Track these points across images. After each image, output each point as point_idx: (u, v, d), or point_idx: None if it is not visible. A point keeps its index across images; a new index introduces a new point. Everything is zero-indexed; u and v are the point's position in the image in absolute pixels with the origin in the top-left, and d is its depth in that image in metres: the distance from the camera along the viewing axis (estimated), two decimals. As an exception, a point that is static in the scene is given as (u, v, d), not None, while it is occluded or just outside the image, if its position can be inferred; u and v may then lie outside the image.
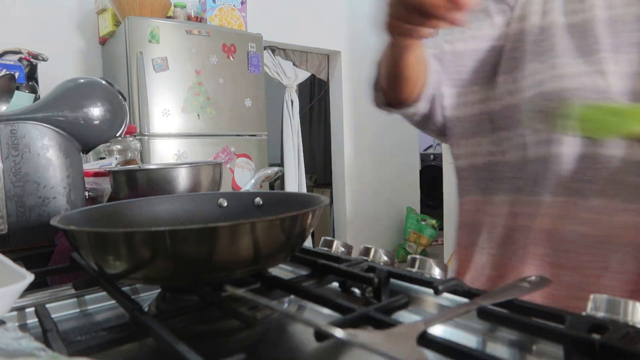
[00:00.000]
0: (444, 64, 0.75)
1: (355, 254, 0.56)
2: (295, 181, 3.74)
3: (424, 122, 0.79)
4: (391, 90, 0.76)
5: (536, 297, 0.41)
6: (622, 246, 0.60)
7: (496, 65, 0.74)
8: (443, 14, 0.52)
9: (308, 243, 0.65)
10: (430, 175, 4.97)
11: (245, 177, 2.62)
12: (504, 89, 0.72)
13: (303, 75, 3.84)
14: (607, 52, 0.62)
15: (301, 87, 4.53)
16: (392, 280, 0.46)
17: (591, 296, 0.36)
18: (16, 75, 1.25)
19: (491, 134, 0.74)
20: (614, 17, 0.63)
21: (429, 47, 0.74)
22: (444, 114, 0.77)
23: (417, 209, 4.53)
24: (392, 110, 0.80)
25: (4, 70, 1.28)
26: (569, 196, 0.64)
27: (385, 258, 0.53)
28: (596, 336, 0.30)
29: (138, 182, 0.78)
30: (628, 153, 0.60)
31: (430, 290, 0.42)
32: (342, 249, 0.58)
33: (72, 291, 0.47)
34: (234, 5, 2.74)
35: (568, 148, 0.64)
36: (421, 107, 0.76)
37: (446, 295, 0.43)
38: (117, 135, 0.80)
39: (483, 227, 0.75)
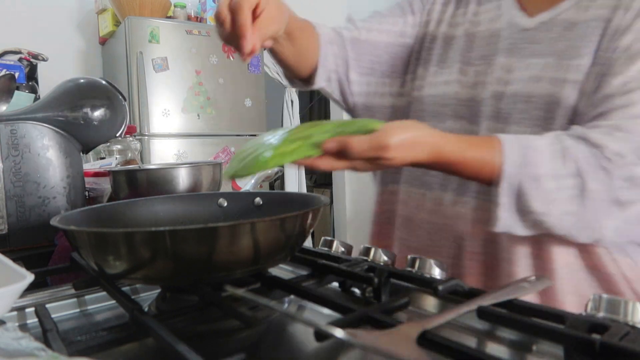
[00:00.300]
0: (359, 49, 0.78)
1: (355, 254, 0.56)
2: (295, 181, 3.74)
3: (342, 104, 0.83)
4: (283, 71, 0.79)
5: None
6: (453, 234, 0.69)
7: (407, 63, 0.81)
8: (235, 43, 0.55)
9: (308, 243, 0.65)
10: (430, 175, 4.95)
11: (245, 177, 2.62)
12: (408, 87, 0.80)
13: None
14: (460, 63, 0.73)
15: (301, 87, 4.52)
16: (392, 280, 0.46)
17: (591, 296, 0.36)
18: (16, 75, 1.25)
19: None
20: (475, 33, 0.73)
21: (348, 29, 0.78)
22: (354, 100, 0.80)
23: (417, 209, 4.52)
24: (296, 86, 0.82)
25: (4, 70, 1.28)
26: (419, 187, 0.75)
27: (385, 258, 0.53)
28: (596, 336, 0.30)
29: (138, 182, 0.78)
30: None
31: (430, 290, 0.42)
32: (342, 249, 0.58)
33: (72, 291, 0.47)
34: (234, 5, 2.74)
35: None
36: (322, 86, 0.78)
37: (446, 295, 0.43)
38: (117, 135, 0.80)
39: (376, 212, 0.87)
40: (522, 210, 0.54)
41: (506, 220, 0.55)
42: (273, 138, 0.53)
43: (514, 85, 0.66)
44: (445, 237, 0.70)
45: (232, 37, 0.56)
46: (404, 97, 0.80)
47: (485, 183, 0.56)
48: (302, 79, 0.78)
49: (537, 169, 0.53)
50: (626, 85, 0.55)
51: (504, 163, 0.53)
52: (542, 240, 0.62)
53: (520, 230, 0.56)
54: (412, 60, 0.80)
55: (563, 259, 0.62)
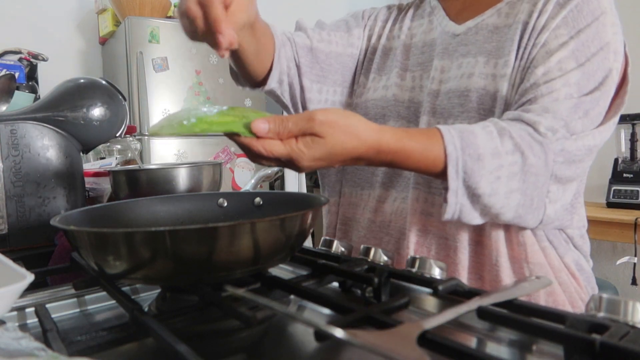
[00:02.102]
0: (311, 57, 0.81)
1: (355, 254, 0.56)
2: (295, 181, 3.74)
3: (291, 109, 0.85)
4: (237, 68, 0.78)
5: None
6: (395, 230, 0.74)
7: (354, 74, 0.87)
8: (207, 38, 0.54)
9: (308, 243, 0.65)
10: (430, 175, 4.95)
11: (245, 177, 2.62)
12: (354, 96, 0.87)
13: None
14: (399, 69, 0.80)
15: (301, 87, 4.52)
16: (392, 280, 0.46)
17: (591, 296, 0.36)
18: (16, 75, 1.25)
19: None
20: (411, 44, 0.81)
21: (299, 36, 0.81)
22: (307, 105, 0.83)
23: (417, 209, 4.51)
24: (245, 86, 0.84)
25: (4, 70, 1.28)
26: (362, 188, 0.81)
27: (385, 258, 0.53)
28: (596, 336, 0.30)
29: (138, 182, 0.78)
30: None
31: (430, 290, 0.42)
32: (342, 249, 0.58)
33: (72, 291, 0.47)
34: (234, 5, 2.74)
35: None
36: (273, 87, 0.79)
37: (446, 295, 0.43)
38: (117, 135, 0.80)
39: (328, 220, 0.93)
40: (470, 192, 0.56)
41: (455, 206, 0.57)
42: (209, 110, 0.52)
43: (448, 83, 0.71)
44: (389, 234, 0.75)
45: (205, 34, 0.54)
46: (351, 106, 0.86)
47: (429, 173, 0.58)
48: (253, 80, 0.78)
49: (478, 148, 0.56)
50: (547, 75, 0.62)
51: (447, 147, 0.55)
52: (483, 227, 0.67)
53: (469, 216, 0.58)
54: (358, 70, 0.87)
55: (501, 247, 0.67)
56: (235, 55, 0.71)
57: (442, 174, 0.56)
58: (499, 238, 0.67)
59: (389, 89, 0.79)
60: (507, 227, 0.67)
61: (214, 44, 0.52)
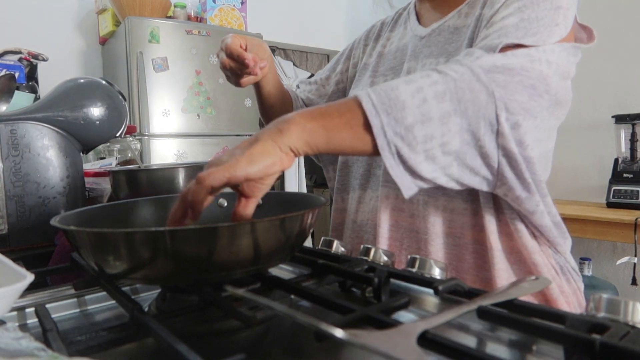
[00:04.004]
0: (311, 103, 0.97)
1: (355, 254, 0.56)
2: (295, 181, 3.74)
3: None
4: (266, 119, 0.96)
5: None
6: (372, 227, 0.77)
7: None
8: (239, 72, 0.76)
9: (308, 243, 0.65)
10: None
11: (245, 177, 2.62)
12: None
13: (303, 75, 3.84)
14: (369, 76, 0.84)
15: (301, 87, 4.52)
16: (392, 280, 0.46)
17: (591, 296, 0.36)
18: (16, 75, 1.25)
19: None
20: (384, 52, 0.86)
21: (301, 90, 1.00)
22: None
23: (417, 209, 4.51)
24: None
25: (4, 70, 1.28)
26: (347, 193, 0.85)
27: (385, 258, 0.53)
28: (596, 336, 0.30)
29: (138, 182, 0.78)
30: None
31: (430, 290, 0.42)
32: (342, 249, 0.58)
33: (72, 291, 0.47)
34: (234, 5, 2.74)
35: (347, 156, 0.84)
36: None
37: (446, 295, 0.43)
38: (117, 135, 0.80)
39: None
40: (400, 126, 0.50)
41: (390, 148, 0.50)
42: None
43: None
44: (367, 231, 0.78)
45: (239, 69, 0.75)
46: None
47: (353, 132, 0.50)
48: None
49: (391, 84, 0.52)
50: (488, 37, 0.60)
51: (358, 94, 0.50)
52: (454, 218, 0.68)
53: (414, 161, 0.51)
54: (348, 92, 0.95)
55: (467, 234, 0.67)
56: (266, 104, 0.89)
57: (367, 127, 0.50)
58: (470, 227, 0.67)
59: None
60: (478, 214, 0.67)
61: (248, 69, 0.74)
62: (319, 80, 0.99)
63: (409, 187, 0.53)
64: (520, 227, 0.65)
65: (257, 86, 0.86)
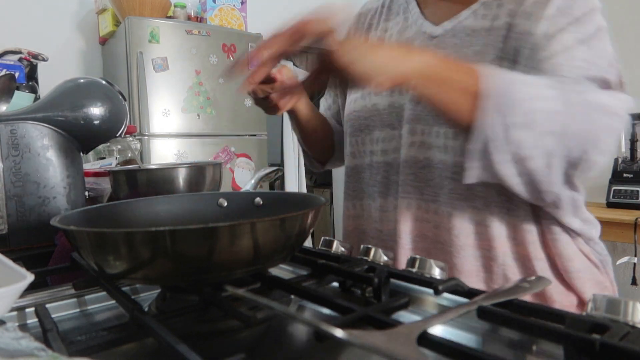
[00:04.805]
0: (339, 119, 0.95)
1: (355, 254, 0.56)
2: (295, 181, 3.74)
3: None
4: (315, 154, 0.96)
5: None
6: (391, 237, 0.74)
7: None
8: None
9: (308, 243, 0.65)
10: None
11: (245, 177, 2.62)
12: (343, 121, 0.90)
13: (303, 75, 3.83)
14: None
15: (301, 87, 4.51)
16: (392, 280, 0.46)
17: (591, 296, 0.36)
18: (16, 75, 1.25)
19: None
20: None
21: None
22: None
23: (417, 209, 4.51)
24: (327, 167, 1.00)
25: (4, 70, 1.28)
26: (361, 199, 0.81)
27: (385, 258, 0.53)
28: (596, 336, 0.30)
29: (138, 182, 0.78)
30: (389, 158, 0.75)
31: (430, 290, 0.42)
32: (342, 249, 0.58)
33: (72, 291, 0.47)
34: (234, 5, 2.74)
35: (359, 160, 0.81)
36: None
37: (446, 295, 0.43)
38: (117, 135, 0.80)
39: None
40: (504, 119, 0.52)
41: (488, 130, 0.52)
42: None
43: None
44: (395, 241, 0.74)
45: (271, 88, 0.72)
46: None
47: (461, 89, 0.54)
48: (327, 158, 0.99)
49: (512, 76, 0.55)
50: (552, 57, 0.60)
51: (479, 69, 0.54)
52: (484, 225, 0.66)
53: (499, 150, 0.53)
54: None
55: (502, 246, 0.66)
56: (309, 128, 0.88)
57: (474, 101, 0.52)
58: (500, 237, 0.66)
59: (367, 98, 0.79)
60: (507, 227, 0.66)
61: (276, 84, 0.72)
62: (327, 107, 0.97)
63: (473, 175, 0.56)
64: (559, 232, 0.66)
65: (294, 112, 0.84)
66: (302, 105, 0.84)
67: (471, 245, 0.67)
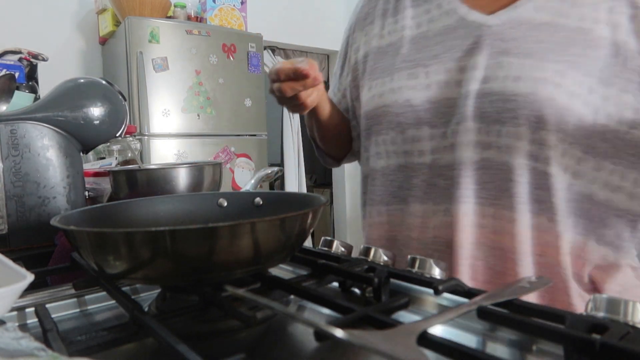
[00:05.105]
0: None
1: (355, 254, 0.56)
2: (295, 181, 3.74)
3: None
4: (331, 150, 0.91)
5: None
6: (442, 245, 0.67)
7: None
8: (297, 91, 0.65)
9: (308, 243, 0.65)
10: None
11: (245, 177, 2.62)
12: (356, 114, 0.84)
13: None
14: (409, 68, 0.71)
15: (301, 87, 4.52)
16: (392, 280, 0.46)
17: (591, 296, 0.36)
18: (16, 75, 1.25)
19: (361, 154, 0.84)
20: (419, 35, 0.72)
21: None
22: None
23: (417, 209, 4.52)
24: (341, 163, 0.95)
25: (4, 70, 1.28)
26: (397, 204, 0.73)
27: (385, 258, 0.53)
28: (596, 336, 0.30)
29: (138, 182, 0.78)
30: (434, 159, 0.68)
31: (430, 290, 0.42)
32: (342, 249, 0.58)
33: (72, 291, 0.47)
34: (234, 5, 2.74)
35: (388, 161, 0.74)
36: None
37: (446, 295, 0.43)
38: (117, 135, 0.80)
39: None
40: None
41: None
42: None
43: (489, 84, 0.63)
44: (439, 250, 0.67)
45: (302, 85, 0.65)
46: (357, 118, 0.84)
47: None
48: (344, 155, 0.94)
49: None
50: None
51: None
52: (540, 236, 0.61)
53: None
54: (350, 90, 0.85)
55: (567, 257, 0.60)
56: (330, 124, 0.82)
57: None
58: (563, 246, 0.61)
59: (398, 93, 0.71)
60: (574, 241, 0.61)
61: (308, 79, 0.64)
62: (336, 102, 0.89)
63: None
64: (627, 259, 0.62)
65: (316, 108, 0.77)
66: (323, 101, 0.78)
67: (534, 253, 0.62)
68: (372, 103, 0.75)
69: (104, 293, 0.48)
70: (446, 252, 0.66)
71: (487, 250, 0.64)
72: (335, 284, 0.50)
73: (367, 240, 0.81)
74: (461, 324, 0.40)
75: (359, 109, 0.81)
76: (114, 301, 0.44)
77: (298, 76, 0.63)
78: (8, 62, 1.35)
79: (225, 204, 0.59)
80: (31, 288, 0.38)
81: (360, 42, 0.82)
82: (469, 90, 0.64)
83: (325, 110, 0.80)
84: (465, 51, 0.66)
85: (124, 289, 0.49)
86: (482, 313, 0.36)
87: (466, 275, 0.64)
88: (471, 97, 0.64)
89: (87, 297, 0.48)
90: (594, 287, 0.62)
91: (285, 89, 0.65)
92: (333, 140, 0.88)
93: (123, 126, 0.80)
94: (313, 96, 0.69)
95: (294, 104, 0.69)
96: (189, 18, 2.65)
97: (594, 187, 0.61)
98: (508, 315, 0.36)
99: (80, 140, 0.77)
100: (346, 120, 0.87)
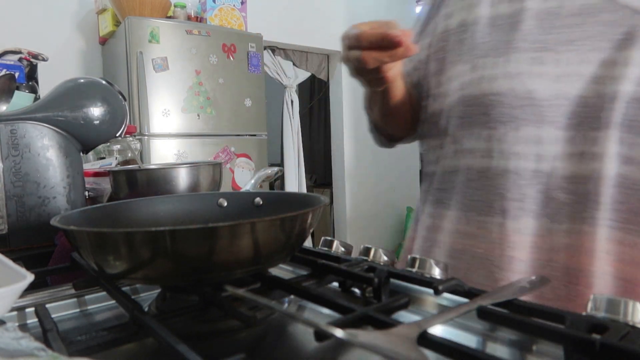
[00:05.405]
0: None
1: (355, 254, 0.56)
2: (295, 181, 3.74)
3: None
4: (389, 130, 0.78)
5: None
6: (559, 271, 0.56)
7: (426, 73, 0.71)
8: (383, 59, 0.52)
9: (308, 243, 0.65)
10: (430, 175, 4.96)
11: (245, 177, 2.62)
12: (431, 93, 0.69)
13: (303, 75, 3.84)
14: (532, 51, 0.57)
15: (301, 87, 4.53)
16: (392, 280, 0.46)
17: (591, 296, 0.36)
18: (16, 75, 1.25)
19: (426, 141, 0.74)
20: (548, 11, 0.58)
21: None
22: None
23: (417, 209, 4.53)
24: (396, 144, 0.83)
25: (4, 70, 1.28)
26: (492, 215, 0.60)
27: (385, 258, 0.53)
28: (596, 336, 0.30)
29: (138, 182, 0.78)
30: (554, 167, 0.56)
31: (430, 290, 0.42)
32: (342, 249, 0.58)
33: (72, 291, 0.47)
34: (234, 5, 2.74)
35: (491, 161, 0.60)
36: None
37: (446, 295, 0.43)
38: (117, 135, 0.80)
39: (415, 235, 0.74)
40: None
41: None
42: None
43: (626, 85, 0.52)
44: (552, 275, 0.56)
45: (389, 56, 0.52)
46: (427, 108, 0.71)
47: None
48: (403, 136, 0.82)
49: None
50: None
51: None
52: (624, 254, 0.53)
53: None
54: (431, 62, 0.69)
55: None
56: (397, 101, 0.69)
57: None
58: None
59: (516, 79, 0.57)
60: None
61: (400, 49, 0.51)
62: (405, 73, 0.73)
63: None
64: None
65: (389, 85, 0.64)
66: (400, 74, 0.66)
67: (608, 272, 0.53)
68: (477, 87, 0.61)
69: (104, 293, 0.48)
70: (563, 279, 0.56)
71: (613, 281, 0.54)
72: (335, 284, 0.50)
73: (422, 250, 0.68)
74: (461, 324, 0.40)
75: (439, 87, 0.68)
76: (114, 301, 0.44)
77: (387, 44, 0.51)
78: (8, 62, 1.35)
79: (225, 204, 0.59)
80: (31, 288, 0.38)
81: (456, 7, 0.67)
82: (617, 91, 0.52)
83: (399, 86, 0.67)
84: (615, 42, 0.53)
85: (124, 289, 0.49)
86: (482, 313, 0.36)
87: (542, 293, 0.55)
88: (620, 99, 0.52)
89: (87, 297, 0.48)
90: None
91: (367, 59, 0.52)
92: (395, 119, 0.75)
93: (123, 126, 0.80)
94: (396, 69, 0.57)
95: (373, 77, 0.57)
96: (189, 18, 2.65)
97: None
98: (508, 315, 0.36)
99: (80, 140, 0.77)
100: (412, 97, 0.73)
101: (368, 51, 0.52)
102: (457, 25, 0.66)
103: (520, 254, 0.58)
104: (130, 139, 1.23)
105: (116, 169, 0.90)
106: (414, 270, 0.48)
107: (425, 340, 0.30)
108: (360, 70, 0.56)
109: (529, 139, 0.57)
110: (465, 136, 0.63)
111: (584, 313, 0.36)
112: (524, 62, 0.57)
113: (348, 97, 3.96)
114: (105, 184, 0.90)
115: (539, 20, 0.58)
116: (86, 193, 0.80)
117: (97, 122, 0.77)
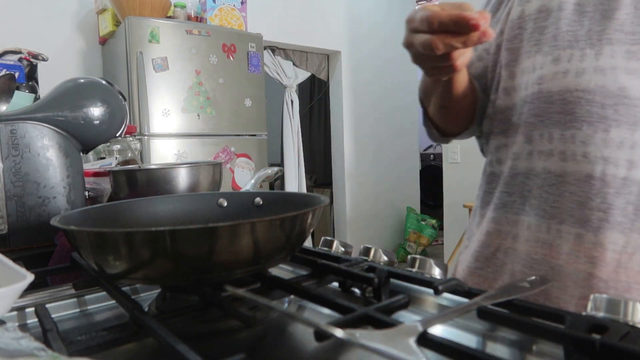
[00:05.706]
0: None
1: (355, 254, 0.56)
2: (295, 181, 3.74)
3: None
4: (445, 125, 0.69)
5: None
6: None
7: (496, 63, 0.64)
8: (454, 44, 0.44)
9: (308, 243, 0.65)
10: (430, 175, 4.97)
11: (245, 177, 2.62)
12: (501, 86, 0.63)
13: (303, 75, 3.84)
14: (629, 43, 0.50)
15: (301, 87, 4.53)
16: (392, 280, 0.46)
17: (591, 296, 0.36)
18: (16, 75, 1.25)
19: (492, 139, 0.66)
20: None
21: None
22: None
23: (417, 209, 4.53)
24: (451, 139, 0.74)
25: (4, 70, 1.28)
26: (573, 226, 0.55)
27: (385, 258, 0.53)
28: (596, 336, 0.30)
29: (138, 182, 0.78)
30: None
31: (430, 290, 0.42)
32: (342, 249, 0.58)
33: (72, 291, 0.47)
34: (234, 5, 2.74)
35: (575, 165, 0.54)
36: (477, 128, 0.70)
37: (446, 295, 0.43)
38: (117, 135, 0.80)
39: (471, 242, 0.67)
40: None
41: None
42: None
43: None
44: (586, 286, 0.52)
45: (462, 42, 0.44)
46: (496, 101, 0.64)
47: None
48: (459, 131, 0.72)
49: None
50: None
51: None
52: None
53: None
54: (503, 52, 0.63)
55: None
56: (460, 91, 0.61)
57: None
58: None
59: (608, 75, 0.51)
60: None
61: (477, 32, 0.43)
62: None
63: None
64: None
65: (455, 76, 0.57)
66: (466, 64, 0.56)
67: None
68: (559, 82, 0.55)
69: (104, 293, 0.48)
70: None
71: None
72: (335, 284, 0.50)
73: (477, 256, 0.63)
74: (461, 324, 0.40)
75: (512, 80, 0.61)
76: (114, 301, 0.44)
77: (460, 28, 0.43)
78: (8, 62, 1.35)
79: (225, 204, 0.59)
80: (31, 288, 0.38)
81: None
82: None
83: (463, 76, 0.59)
84: (601, 36, 0.50)
85: (124, 289, 0.49)
86: (482, 313, 0.36)
87: None
88: None
89: (87, 297, 0.48)
90: None
91: (437, 44, 0.44)
92: (455, 113, 0.67)
93: (123, 126, 0.80)
94: (466, 56, 0.49)
95: (440, 64, 0.49)
96: (189, 18, 2.65)
97: None
98: (508, 315, 0.36)
99: (80, 140, 0.77)
100: (475, 89, 0.66)
101: (438, 35, 0.44)
102: (536, 10, 0.59)
103: (601, 272, 0.52)
104: (130, 139, 1.23)
105: (116, 169, 0.90)
106: (414, 270, 0.48)
107: (425, 340, 0.30)
108: (426, 57, 0.48)
109: (621, 143, 0.51)
110: (542, 136, 0.57)
111: (583, 313, 0.36)
112: (618, 55, 0.51)
113: (348, 97, 3.96)
114: (105, 184, 0.90)
115: (637, 9, 0.51)
116: (86, 193, 0.80)
117: (97, 122, 0.77)
